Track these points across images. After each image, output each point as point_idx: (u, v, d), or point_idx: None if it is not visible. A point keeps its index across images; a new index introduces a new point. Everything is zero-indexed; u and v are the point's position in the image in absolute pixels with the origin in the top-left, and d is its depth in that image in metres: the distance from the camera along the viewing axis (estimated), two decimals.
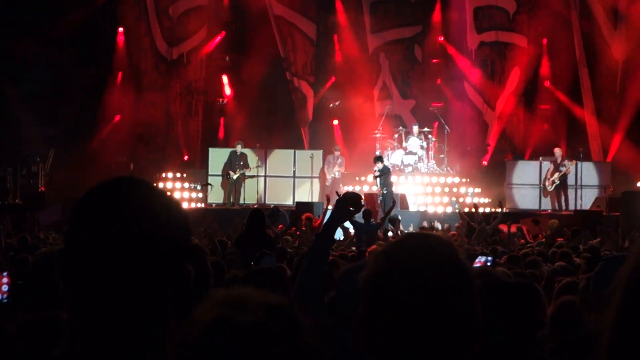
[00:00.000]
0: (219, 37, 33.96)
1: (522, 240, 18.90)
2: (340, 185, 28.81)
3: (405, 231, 21.28)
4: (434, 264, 2.33)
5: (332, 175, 28.94)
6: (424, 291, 2.29)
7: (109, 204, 2.23)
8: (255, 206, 24.39)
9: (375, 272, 2.37)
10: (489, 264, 8.74)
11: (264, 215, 13.28)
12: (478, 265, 8.52)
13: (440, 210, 27.39)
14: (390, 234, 20.34)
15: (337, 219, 5.12)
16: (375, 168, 27.11)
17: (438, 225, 23.06)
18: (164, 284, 2.08)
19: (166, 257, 2.17)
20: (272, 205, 25.25)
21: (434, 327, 2.29)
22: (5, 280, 6.10)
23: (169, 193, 2.40)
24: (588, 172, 29.96)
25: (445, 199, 28.40)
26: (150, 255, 2.18)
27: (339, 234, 19.78)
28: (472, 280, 2.38)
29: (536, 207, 29.52)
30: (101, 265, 2.17)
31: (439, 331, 2.30)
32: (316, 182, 30.07)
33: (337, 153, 29.33)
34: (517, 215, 26.21)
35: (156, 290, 2.13)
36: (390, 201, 25.68)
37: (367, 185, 28.30)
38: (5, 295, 6.16)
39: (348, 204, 5.06)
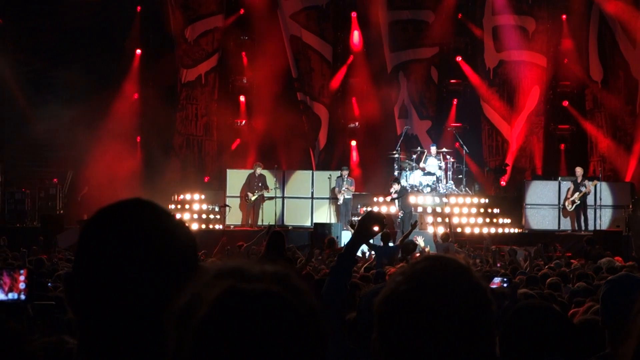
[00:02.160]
0: (237, 58, 34.08)
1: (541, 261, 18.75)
2: (358, 206, 28.76)
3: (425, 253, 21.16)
4: (449, 285, 2.27)
5: (342, 196, 28.78)
6: (438, 313, 2.24)
7: (115, 227, 2.24)
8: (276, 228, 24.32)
9: (389, 294, 2.32)
10: (505, 284, 8.66)
11: (284, 237, 13.25)
12: (494, 286, 8.45)
13: (459, 231, 27.24)
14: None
15: (359, 239, 5.14)
16: (392, 190, 27.07)
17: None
18: None
19: (174, 278, 2.14)
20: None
21: (448, 350, 2.23)
22: (22, 277, 6.06)
23: (175, 214, 2.41)
24: (607, 192, 29.78)
25: (464, 220, 28.25)
26: (158, 276, 2.17)
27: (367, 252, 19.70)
28: (488, 302, 2.31)
29: (555, 227, 29.36)
30: (109, 288, 2.17)
31: (453, 354, 2.23)
32: (334, 203, 29.98)
33: (344, 173, 29.12)
34: (538, 236, 26.14)
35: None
36: (409, 223, 25.62)
37: (385, 206, 28.20)
38: (23, 293, 6.12)
39: (371, 223, 5.07)
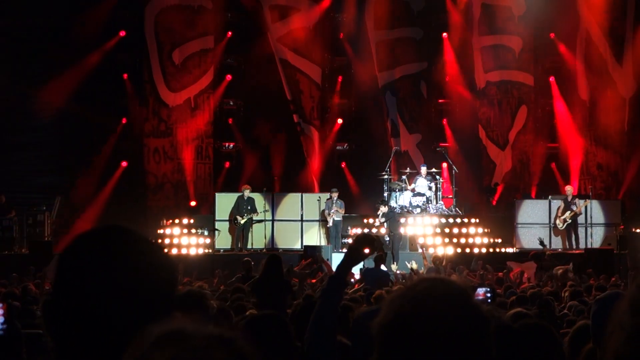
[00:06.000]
0: (225, 80, 34.01)
1: (526, 284, 18.78)
2: (348, 228, 28.68)
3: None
4: (451, 309, 2.29)
5: (332, 218, 28.62)
6: (441, 336, 2.25)
7: (93, 254, 2.23)
8: (272, 252, 24.19)
9: (391, 318, 2.32)
10: (488, 294, 8.62)
11: (281, 261, 13.17)
12: (479, 297, 8.37)
13: (450, 251, 27.13)
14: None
15: (350, 261, 5.09)
16: (379, 212, 27.06)
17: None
18: None
19: (151, 306, 2.13)
20: (280, 250, 25.12)
21: None
22: (0, 312, 5.95)
23: (154, 240, 2.36)
24: (598, 210, 29.79)
25: (454, 240, 28.16)
26: (135, 304, 2.15)
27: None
28: (486, 324, 2.33)
29: (546, 246, 29.28)
30: (84, 315, 2.16)
31: None
32: (324, 225, 29.88)
33: (334, 195, 28.97)
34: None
35: None
36: (398, 244, 25.66)
37: (375, 228, 28.10)
38: (1, 327, 6.01)
39: (363, 245, 5.03)
